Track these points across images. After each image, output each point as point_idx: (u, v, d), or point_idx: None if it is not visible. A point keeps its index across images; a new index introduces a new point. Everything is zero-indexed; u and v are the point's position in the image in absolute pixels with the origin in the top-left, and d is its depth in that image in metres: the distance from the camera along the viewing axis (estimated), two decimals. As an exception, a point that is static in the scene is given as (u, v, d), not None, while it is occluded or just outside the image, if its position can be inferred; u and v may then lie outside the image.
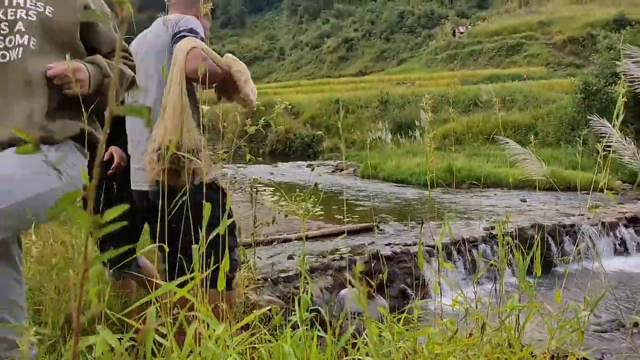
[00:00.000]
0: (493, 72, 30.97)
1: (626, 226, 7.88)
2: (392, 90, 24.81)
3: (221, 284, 1.17)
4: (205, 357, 0.98)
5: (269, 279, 5.38)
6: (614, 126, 1.61)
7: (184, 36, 2.04)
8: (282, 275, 5.57)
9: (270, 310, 1.67)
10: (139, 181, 2.09)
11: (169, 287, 0.97)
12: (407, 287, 6.45)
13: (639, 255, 7.56)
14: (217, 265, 1.47)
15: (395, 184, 12.80)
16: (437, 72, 36.16)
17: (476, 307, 1.33)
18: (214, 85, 2.13)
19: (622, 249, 7.61)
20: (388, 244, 6.94)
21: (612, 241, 7.68)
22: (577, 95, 14.84)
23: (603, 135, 1.89)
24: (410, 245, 6.81)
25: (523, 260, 1.30)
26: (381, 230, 7.98)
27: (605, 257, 7.19)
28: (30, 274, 1.88)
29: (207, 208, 1.26)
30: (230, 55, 2.18)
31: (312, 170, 3.15)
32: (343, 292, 2.17)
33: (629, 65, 1.95)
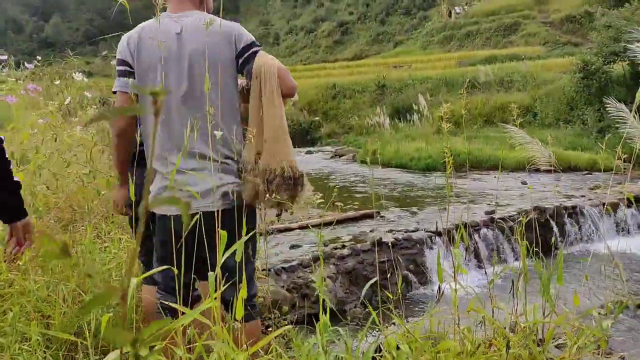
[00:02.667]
0: (490, 52, 30.74)
1: (628, 206, 7.87)
2: (388, 74, 24.63)
3: (239, 312, 1.14)
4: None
5: (272, 270, 5.36)
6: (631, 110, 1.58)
7: (257, 51, 1.97)
8: (285, 265, 5.55)
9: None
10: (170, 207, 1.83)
11: (191, 314, 0.93)
12: (409, 274, 6.45)
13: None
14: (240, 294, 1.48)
15: (394, 169, 12.77)
16: (434, 55, 35.87)
17: (492, 313, 1.30)
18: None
19: (624, 229, 7.62)
20: (390, 231, 6.92)
21: (613, 222, 7.68)
22: (575, 75, 14.74)
23: (613, 116, 1.86)
24: (412, 231, 6.79)
25: (544, 269, 1.28)
26: (382, 216, 7.96)
27: (607, 238, 7.20)
28: (37, 286, 1.84)
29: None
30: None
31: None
32: None
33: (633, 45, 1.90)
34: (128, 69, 2.01)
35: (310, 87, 24.73)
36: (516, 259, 6.69)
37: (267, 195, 1.84)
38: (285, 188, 1.89)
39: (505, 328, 1.19)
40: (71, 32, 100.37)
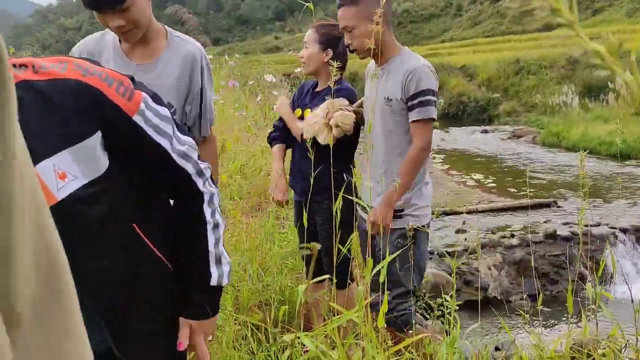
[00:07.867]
0: None
1: None
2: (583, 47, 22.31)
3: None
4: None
5: (435, 253, 5.45)
6: None
7: None
8: (449, 249, 5.58)
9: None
10: None
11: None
12: (585, 271, 6.04)
13: None
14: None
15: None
16: (641, 23, 31.48)
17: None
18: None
19: None
20: (566, 223, 6.52)
21: None
22: None
23: None
24: (592, 225, 6.31)
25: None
26: (559, 206, 7.47)
27: None
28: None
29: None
30: None
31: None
32: None
33: None
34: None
35: (491, 61, 23.56)
36: None
37: None
38: None
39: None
40: (263, 9, 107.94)
